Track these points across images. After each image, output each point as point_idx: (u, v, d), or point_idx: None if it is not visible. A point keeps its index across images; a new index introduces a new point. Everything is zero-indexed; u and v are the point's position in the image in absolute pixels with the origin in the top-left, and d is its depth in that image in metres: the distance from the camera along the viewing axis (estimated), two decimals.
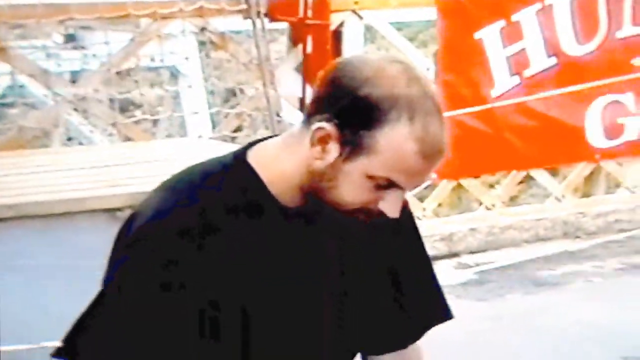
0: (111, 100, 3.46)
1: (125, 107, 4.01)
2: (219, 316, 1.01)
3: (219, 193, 0.97)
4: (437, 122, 0.92)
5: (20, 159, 3.37)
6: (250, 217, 1.01)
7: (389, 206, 1.02)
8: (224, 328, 1.02)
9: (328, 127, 0.92)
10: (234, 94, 4.22)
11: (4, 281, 2.46)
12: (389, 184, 0.98)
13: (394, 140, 0.96)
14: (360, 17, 4.19)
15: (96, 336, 0.99)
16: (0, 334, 2.28)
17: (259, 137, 1.19)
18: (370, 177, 0.97)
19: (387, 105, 0.93)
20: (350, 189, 1.01)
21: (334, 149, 0.94)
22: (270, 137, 1.03)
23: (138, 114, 3.89)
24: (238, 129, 3.84)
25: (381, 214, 1.03)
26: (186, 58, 4.23)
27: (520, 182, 4.57)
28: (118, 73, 3.68)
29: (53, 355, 1.03)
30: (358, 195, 1.00)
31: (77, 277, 2.17)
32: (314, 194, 1.02)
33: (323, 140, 0.94)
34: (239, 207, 1.00)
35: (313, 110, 0.96)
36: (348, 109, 0.95)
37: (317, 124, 0.92)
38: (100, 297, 0.97)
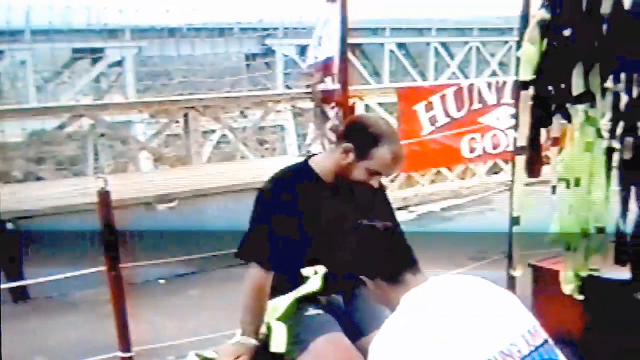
0: (258, 141, 7.98)
1: (262, 142, 8.58)
2: (283, 220, 2.20)
3: (292, 173, 2.34)
4: (400, 145, 2.20)
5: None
6: (304, 182, 2.26)
7: (374, 183, 2.24)
8: (291, 225, 2.19)
9: (350, 145, 2.17)
10: (306, 136, 8.34)
11: None
12: (376, 173, 2.20)
13: (382, 154, 2.14)
14: (362, 100, 7.61)
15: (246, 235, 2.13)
16: None
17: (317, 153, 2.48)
18: (368, 170, 2.18)
19: (380, 137, 2.15)
20: (357, 173, 2.23)
21: (352, 155, 2.16)
22: (321, 153, 2.42)
23: (269, 146, 8.44)
24: (308, 152, 7.94)
25: (371, 186, 2.24)
26: (287, 120, 8.71)
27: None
28: (261, 128, 8.18)
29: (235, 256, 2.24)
30: (361, 177, 2.21)
31: None
32: (340, 175, 2.26)
33: (347, 152, 2.17)
34: (299, 178, 2.29)
35: (341, 138, 2.23)
36: (362, 137, 2.18)
37: (345, 145, 2.18)
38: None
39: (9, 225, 4.39)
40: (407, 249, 1.85)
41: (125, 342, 2.91)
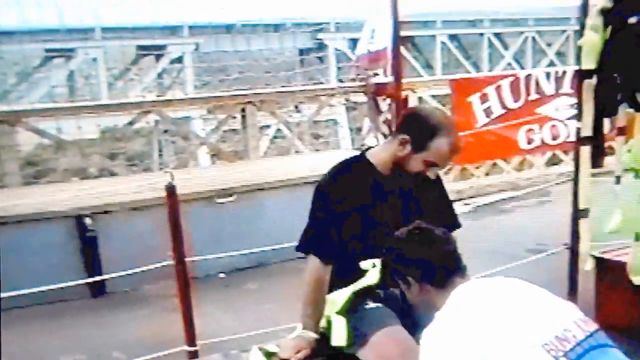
0: (312, 135, 8.05)
1: (316, 136, 8.64)
2: (342, 212, 2.21)
3: (350, 166, 2.34)
4: (457, 137, 2.16)
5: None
6: (362, 175, 2.28)
7: (431, 174, 2.25)
8: (350, 218, 2.21)
9: (407, 137, 2.18)
10: (360, 130, 8.37)
11: None
12: (433, 164, 2.20)
13: (439, 145, 2.14)
14: (415, 92, 7.59)
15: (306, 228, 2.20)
16: None
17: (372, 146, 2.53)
18: (424, 161, 2.18)
19: (437, 129, 2.15)
20: (414, 164, 2.22)
21: (408, 147, 2.17)
22: (376, 146, 2.43)
23: (323, 140, 8.50)
24: (362, 145, 8.18)
25: (425, 176, 2.25)
26: (340, 114, 8.75)
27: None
28: (315, 122, 8.24)
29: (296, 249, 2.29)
30: (417, 168, 2.21)
31: None
32: (398, 166, 2.24)
33: (404, 143, 2.19)
34: (357, 171, 2.31)
35: (397, 130, 2.25)
36: (419, 129, 2.18)
37: (402, 136, 2.18)
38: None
39: (88, 221, 4.52)
40: (458, 255, 1.86)
41: (190, 336, 2.96)
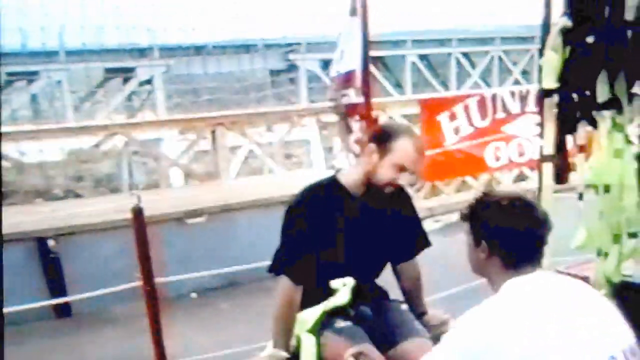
0: (284, 155, 8.08)
1: (288, 156, 8.69)
2: (312, 233, 2.24)
3: (320, 187, 2.37)
4: (418, 137, 2.42)
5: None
6: (332, 196, 2.32)
7: (404, 180, 2.27)
8: (320, 238, 2.24)
9: (372, 145, 2.27)
10: (332, 149, 8.57)
11: None
12: (402, 169, 2.22)
13: (402, 145, 2.24)
14: (385, 112, 7.92)
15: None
16: None
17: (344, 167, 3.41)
18: (393, 165, 2.22)
19: (398, 131, 2.30)
20: (384, 172, 2.24)
21: (375, 156, 2.25)
22: (347, 168, 3.25)
23: (295, 159, 8.54)
24: (333, 166, 8.30)
25: (398, 186, 2.27)
26: (312, 133, 8.83)
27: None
28: (287, 142, 8.30)
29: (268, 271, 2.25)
30: (388, 175, 2.23)
31: None
32: (370, 182, 2.25)
33: (371, 152, 2.27)
34: (328, 192, 2.35)
35: (365, 145, 2.29)
36: (381, 135, 2.30)
37: (368, 145, 2.28)
38: None
39: (50, 242, 4.47)
40: (544, 243, 1.75)
41: (160, 357, 2.94)
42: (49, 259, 4.43)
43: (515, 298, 1.57)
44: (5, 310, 3.03)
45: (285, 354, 2.31)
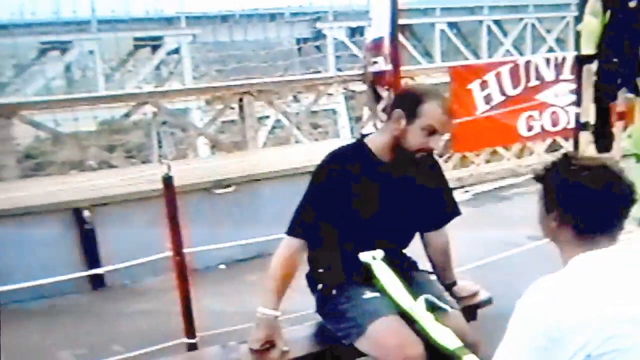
0: (311, 125, 8.02)
1: (315, 126, 8.61)
2: (335, 197, 2.18)
3: (346, 151, 2.31)
4: (446, 99, 2.36)
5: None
6: (359, 160, 2.25)
7: (434, 144, 2.21)
8: (341, 204, 2.19)
9: (399, 110, 2.20)
10: (359, 119, 8.20)
11: None
12: (432, 132, 2.17)
13: (430, 108, 2.18)
14: (414, 80, 7.31)
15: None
16: None
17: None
18: (422, 129, 2.17)
19: (424, 94, 2.23)
20: (413, 137, 2.19)
21: (403, 121, 2.17)
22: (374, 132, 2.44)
23: (322, 129, 8.49)
24: (361, 134, 8.18)
25: (430, 150, 2.21)
26: (338, 103, 8.71)
27: None
28: (313, 112, 8.19)
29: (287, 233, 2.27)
30: (417, 140, 2.18)
31: None
32: (399, 148, 2.19)
33: (398, 118, 2.19)
34: (354, 156, 2.28)
35: (391, 111, 2.24)
36: (407, 99, 2.24)
37: (395, 111, 2.20)
38: None
39: (86, 213, 4.49)
40: (624, 215, 1.56)
41: (189, 328, 2.95)
42: (84, 230, 4.44)
43: (585, 277, 1.44)
44: (46, 280, 3.14)
45: (274, 313, 2.28)
